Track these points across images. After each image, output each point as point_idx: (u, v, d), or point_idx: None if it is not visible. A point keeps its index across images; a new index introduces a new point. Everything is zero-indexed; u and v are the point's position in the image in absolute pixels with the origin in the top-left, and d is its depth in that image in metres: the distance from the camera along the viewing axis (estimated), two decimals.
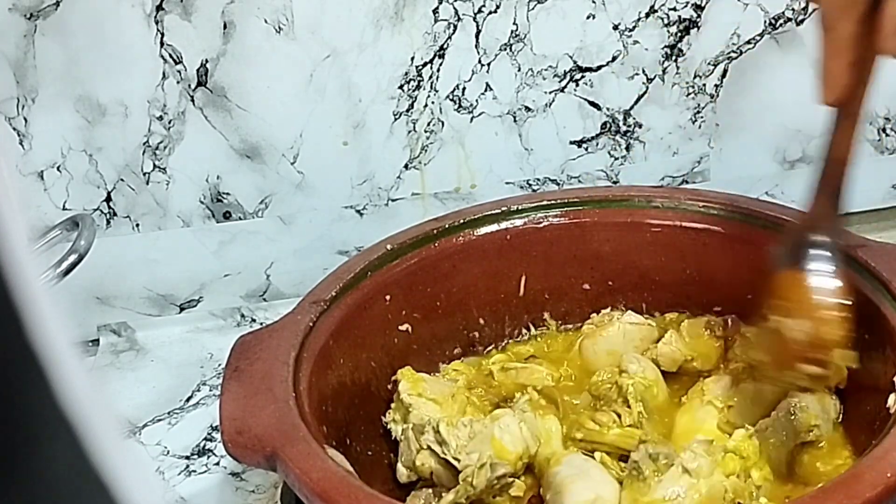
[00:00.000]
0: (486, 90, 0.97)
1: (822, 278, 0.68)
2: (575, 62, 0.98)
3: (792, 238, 0.71)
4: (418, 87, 0.96)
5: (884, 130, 1.03)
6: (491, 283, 0.88)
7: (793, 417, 0.71)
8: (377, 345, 0.82)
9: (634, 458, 0.69)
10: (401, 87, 0.96)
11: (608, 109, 0.99)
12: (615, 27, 0.97)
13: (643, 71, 0.98)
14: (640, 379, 0.78)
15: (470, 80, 0.97)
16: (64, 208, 0.95)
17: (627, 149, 1.01)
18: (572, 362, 0.84)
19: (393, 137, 0.98)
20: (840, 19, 0.62)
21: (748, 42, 0.98)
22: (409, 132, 0.98)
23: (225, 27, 0.92)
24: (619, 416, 0.76)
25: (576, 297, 0.89)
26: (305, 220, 0.99)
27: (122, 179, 0.96)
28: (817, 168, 0.71)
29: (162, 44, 0.91)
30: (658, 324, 0.85)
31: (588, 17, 0.96)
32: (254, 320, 1.01)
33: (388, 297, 0.83)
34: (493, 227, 0.87)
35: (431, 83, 0.96)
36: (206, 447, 0.87)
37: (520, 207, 0.88)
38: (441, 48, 0.95)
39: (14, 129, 0.92)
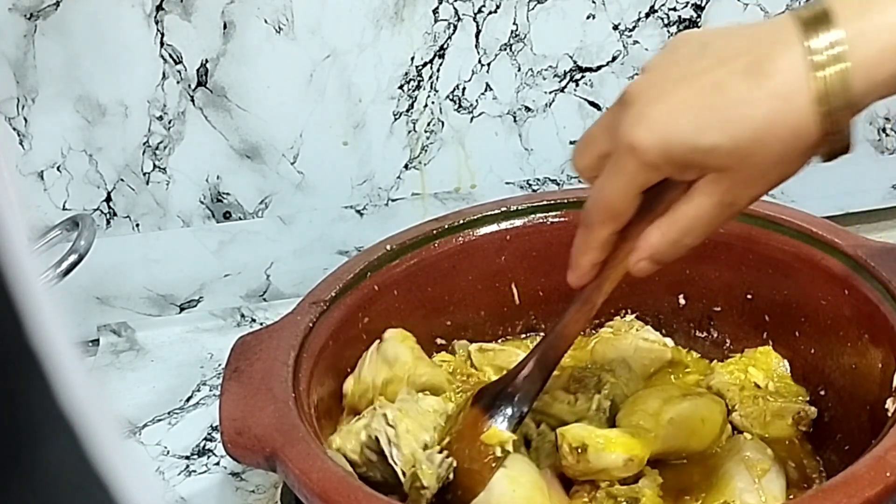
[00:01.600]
0: (486, 90, 0.97)
1: (497, 433, 0.70)
2: (575, 62, 0.98)
3: (498, 383, 0.73)
4: (418, 87, 0.96)
5: (884, 130, 1.03)
6: (491, 283, 0.88)
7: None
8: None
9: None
10: (401, 87, 0.96)
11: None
12: (615, 27, 0.97)
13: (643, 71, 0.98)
14: (622, 383, 0.78)
15: (470, 80, 0.97)
16: (64, 208, 0.95)
17: None
18: (579, 359, 0.84)
19: (393, 137, 0.98)
20: (600, 224, 0.64)
21: None
22: (409, 132, 0.98)
23: (225, 27, 0.92)
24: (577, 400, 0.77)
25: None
26: (305, 220, 0.99)
27: (122, 179, 0.96)
28: (544, 336, 0.74)
29: (162, 44, 0.91)
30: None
31: (588, 17, 0.96)
32: (254, 320, 1.01)
33: (387, 298, 0.83)
34: (493, 227, 0.87)
35: (431, 83, 0.96)
36: (206, 447, 0.87)
37: (520, 207, 0.88)
38: (441, 48, 0.95)
39: (14, 129, 0.92)
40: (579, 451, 0.70)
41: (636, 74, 0.98)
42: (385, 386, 0.77)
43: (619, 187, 0.61)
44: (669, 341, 0.86)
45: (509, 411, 0.71)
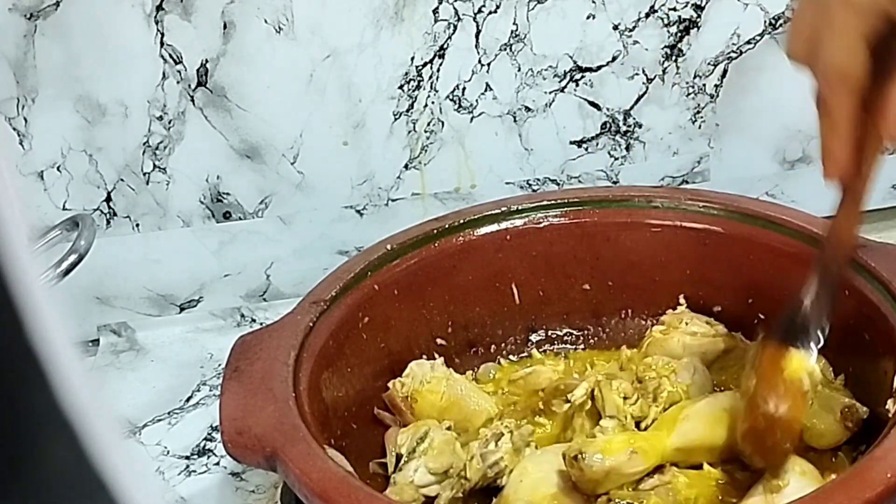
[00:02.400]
0: (486, 90, 0.97)
1: (802, 361, 0.67)
2: (575, 62, 0.98)
3: (787, 313, 0.69)
4: (418, 87, 0.96)
5: None
6: (491, 283, 0.88)
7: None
8: (377, 345, 0.82)
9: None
10: (401, 87, 0.96)
11: (608, 109, 0.99)
12: (615, 27, 0.97)
13: (643, 71, 0.98)
14: (683, 388, 0.77)
15: (470, 80, 0.97)
16: (64, 208, 0.95)
17: (627, 149, 1.01)
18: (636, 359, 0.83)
19: (393, 137, 0.98)
20: (836, 94, 0.61)
21: (748, 42, 0.98)
22: (409, 132, 0.98)
23: (225, 27, 0.92)
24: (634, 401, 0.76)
25: (575, 297, 0.89)
26: (305, 220, 0.99)
27: (122, 179, 0.96)
28: (820, 247, 0.70)
29: (162, 44, 0.91)
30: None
31: (588, 17, 0.96)
32: (254, 320, 1.01)
33: (387, 298, 0.83)
34: (493, 227, 0.87)
35: (431, 83, 0.96)
36: (206, 447, 0.87)
37: (520, 207, 0.88)
38: (441, 48, 0.95)
39: (14, 129, 0.92)
40: (575, 458, 0.68)
41: (636, 74, 0.99)
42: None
43: (843, 45, 0.58)
44: (721, 327, 0.83)
45: (806, 339, 0.67)
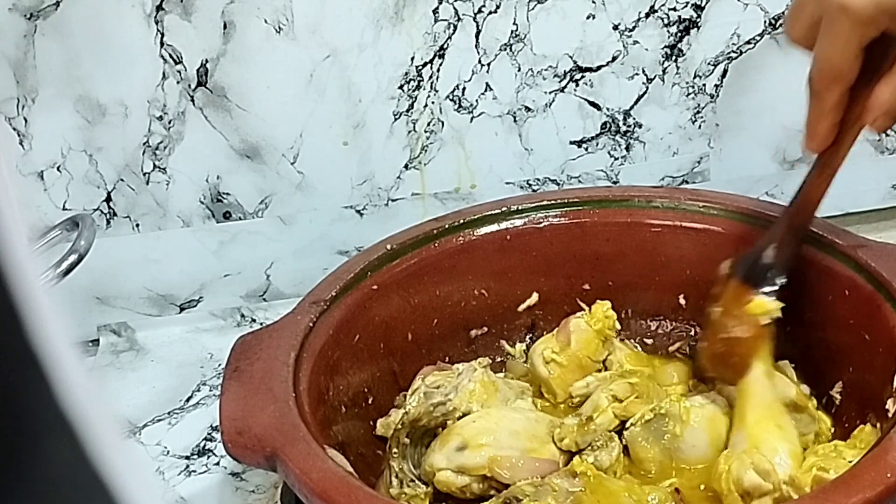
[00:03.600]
0: (486, 90, 0.97)
1: (761, 301, 0.72)
2: (575, 62, 0.98)
3: (751, 254, 0.75)
4: (418, 87, 0.96)
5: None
6: (491, 283, 0.88)
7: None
8: (377, 345, 0.82)
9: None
10: (401, 87, 0.96)
11: (608, 109, 1.00)
12: (615, 27, 0.97)
13: (643, 71, 0.98)
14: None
15: (470, 80, 0.97)
16: (64, 208, 0.95)
17: (627, 149, 1.01)
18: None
19: (393, 137, 0.98)
20: (827, 89, 0.64)
21: (748, 42, 0.98)
22: (409, 132, 0.98)
23: (225, 27, 0.92)
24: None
25: (576, 297, 0.89)
26: (305, 220, 0.99)
27: (122, 179, 0.96)
28: (789, 204, 0.75)
29: (162, 44, 0.91)
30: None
31: (588, 17, 0.96)
32: (254, 320, 1.01)
33: (387, 298, 0.83)
34: (493, 227, 0.87)
35: (431, 83, 0.96)
36: (206, 447, 0.87)
37: (520, 207, 0.88)
38: (441, 48, 0.95)
39: (14, 129, 0.92)
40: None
41: (636, 74, 0.99)
42: None
43: (838, 48, 0.61)
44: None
45: (769, 281, 0.72)
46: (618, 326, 0.84)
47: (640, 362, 0.84)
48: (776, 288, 0.72)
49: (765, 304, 0.71)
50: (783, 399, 0.73)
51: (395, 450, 0.75)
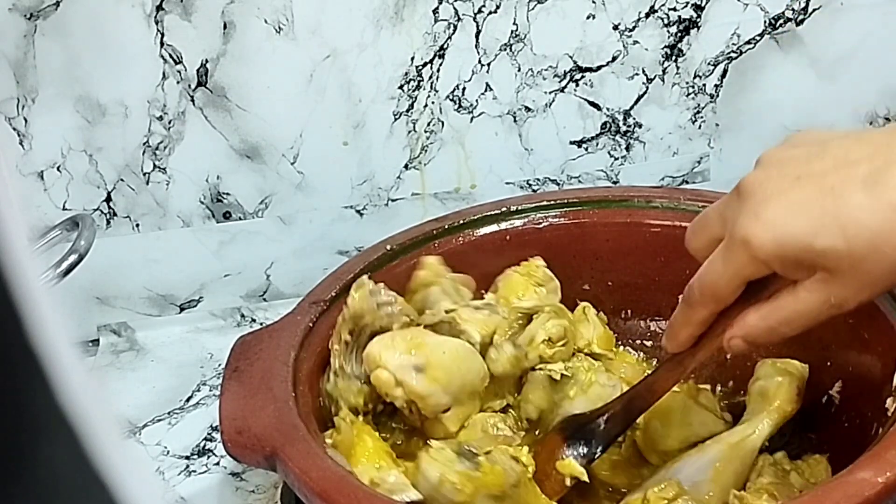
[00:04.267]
0: (486, 90, 0.97)
1: (573, 459, 0.72)
2: (575, 62, 0.98)
3: (583, 417, 0.75)
4: (418, 87, 0.96)
5: None
6: (491, 283, 0.87)
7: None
8: None
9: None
10: (401, 87, 0.96)
11: (608, 109, 1.00)
12: (615, 27, 0.97)
13: (643, 71, 0.98)
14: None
15: (470, 80, 0.97)
16: (64, 208, 0.95)
17: (627, 149, 1.01)
18: None
19: (393, 137, 0.98)
20: (702, 305, 0.65)
21: (748, 42, 0.98)
22: (409, 132, 0.98)
23: (225, 27, 0.92)
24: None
25: (575, 297, 0.88)
26: (305, 220, 0.99)
27: (122, 179, 0.96)
28: (634, 385, 0.74)
29: (162, 44, 0.91)
30: None
31: (588, 17, 0.96)
32: (254, 320, 1.01)
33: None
34: (493, 228, 0.87)
35: (431, 83, 0.96)
36: (206, 447, 0.87)
37: (520, 207, 0.88)
38: (441, 48, 0.95)
39: (14, 129, 0.92)
40: None
41: (636, 74, 0.99)
42: None
43: (726, 276, 0.62)
44: None
45: (585, 448, 0.72)
46: (594, 311, 0.85)
47: (637, 373, 0.84)
48: (589, 457, 0.72)
49: (572, 466, 0.71)
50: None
51: (335, 346, 0.75)
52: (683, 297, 0.67)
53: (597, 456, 0.73)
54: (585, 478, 0.71)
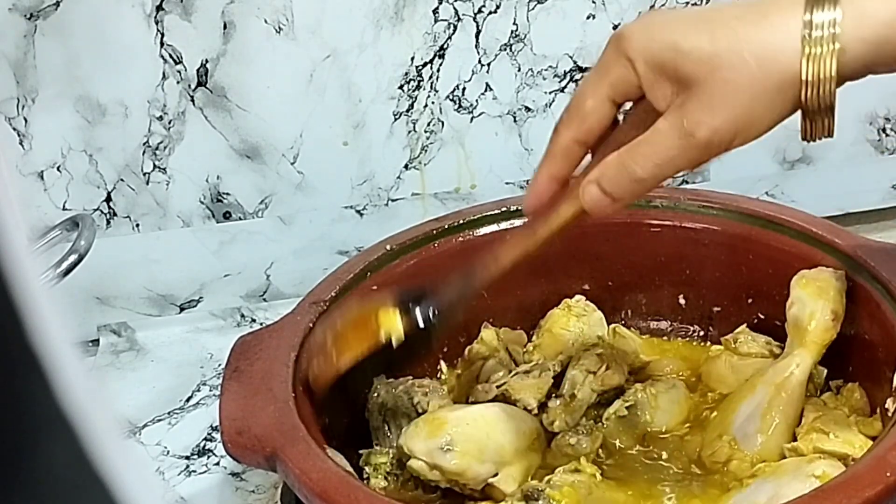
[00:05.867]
0: (486, 90, 0.97)
1: (392, 319, 0.69)
2: (575, 62, 0.98)
3: (418, 287, 0.71)
4: (418, 87, 0.96)
5: (884, 130, 1.03)
6: (491, 283, 0.87)
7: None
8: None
9: None
10: (401, 87, 0.96)
11: None
12: (615, 27, 0.96)
13: None
14: (651, 402, 0.79)
15: (470, 80, 0.97)
16: (64, 208, 0.95)
17: None
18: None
19: (393, 137, 0.98)
20: (564, 124, 0.62)
21: None
22: (409, 132, 0.98)
23: (225, 27, 0.92)
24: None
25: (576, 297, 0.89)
26: (305, 220, 0.99)
27: (122, 179, 0.96)
28: (482, 254, 0.70)
29: (162, 44, 0.91)
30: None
31: (588, 17, 0.96)
32: (254, 320, 1.01)
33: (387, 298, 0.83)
34: (493, 227, 0.87)
35: (431, 83, 0.96)
36: (206, 447, 0.87)
37: (520, 207, 0.88)
38: (441, 48, 0.95)
39: (14, 129, 0.92)
40: None
41: None
42: None
43: (593, 83, 0.60)
44: (778, 348, 0.81)
45: (414, 307, 0.69)
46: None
47: (651, 349, 0.86)
48: (417, 317, 0.68)
49: (393, 321, 0.68)
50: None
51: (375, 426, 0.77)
52: (550, 137, 0.63)
53: (427, 320, 0.68)
54: (401, 336, 0.68)
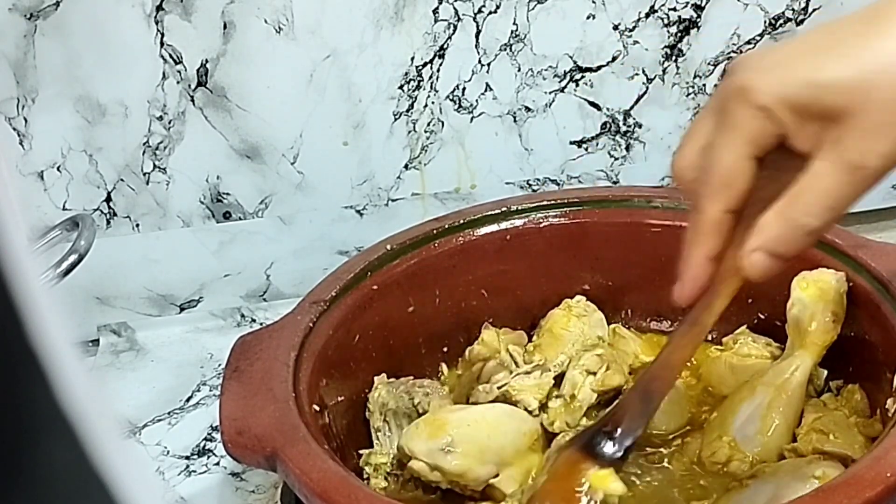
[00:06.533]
0: (486, 90, 0.97)
1: (603, 477, 0.62)
2: (575, 62, 0.98)
3: (596, 425, 0.65)
4: (418, 87, 0.96)
5: None
6: (491, 283, 0.88)
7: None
8: (377, 346, 0.82)
9: None
10: (401, 87, 0.96)
11: (608, 109, 0.99)
12: (615, 27, 0.97)
13: (643, 71, 0.98)
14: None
15: (470, 80, 0.97)
16: (64, 208, 0.95)
17: (627, 149, 1.01)
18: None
19: (393, 137, 0.98)
20: (709, 197, 0.56)
21: (748, 42, 0.98)
22: (409, 132, 0.98)
23: (225, 27, 0.92)
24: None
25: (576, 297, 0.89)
26: (305, 220, 0.99)
27: (122, 179, 0.96)
28: (648, 366, 0.66)
29: (162, 44, 0.91)
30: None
31: (588, 17, 0.96)
32: (254, 320, 1.01)
33: (387, 298, 0.83)
34: (493, 227, 0.87)
35: (431, 83, 0.96)
36: (206, 447, 0.87)
37: (520, 207, 0.88)
38: (441, 48, 0.95)
39: (14, 129, 0.92)
40: None
41: (636, 74, 0.99)
42: None
43: (729, 144, 0.54)
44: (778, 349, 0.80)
45: (610, 451, 0.62)
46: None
47: (651, 349, 0.85)
48: (618, 461, 0.61)
49: (605, 480, 0.61)
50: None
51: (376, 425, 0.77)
52: (691, 207, 0.57)
53: (625, 458, 0.62)
54: (623, 490, 0.62)
